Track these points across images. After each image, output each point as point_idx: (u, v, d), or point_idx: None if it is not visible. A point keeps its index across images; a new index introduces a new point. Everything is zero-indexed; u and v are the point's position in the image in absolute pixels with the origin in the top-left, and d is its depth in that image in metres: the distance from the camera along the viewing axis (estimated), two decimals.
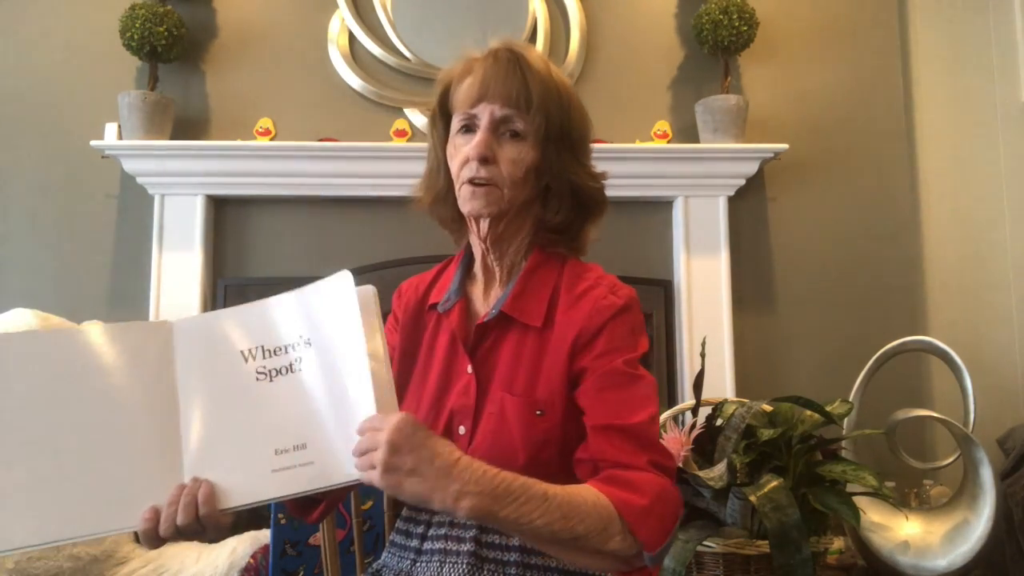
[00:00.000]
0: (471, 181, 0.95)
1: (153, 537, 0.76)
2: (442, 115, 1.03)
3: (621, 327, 0.94)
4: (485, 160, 0.94)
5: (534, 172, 0.97)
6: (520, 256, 1.02)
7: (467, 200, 0.96)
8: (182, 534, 0.76)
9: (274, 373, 0.81)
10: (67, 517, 0.75)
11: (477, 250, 1.03)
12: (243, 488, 0.78)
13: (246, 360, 0.82)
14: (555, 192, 0.99)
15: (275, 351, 0.82)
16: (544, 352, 0.95)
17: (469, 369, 0.97)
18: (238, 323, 0.84)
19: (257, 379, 0.81)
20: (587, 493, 0.83)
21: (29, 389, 0.78)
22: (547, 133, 0.96)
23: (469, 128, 0.97)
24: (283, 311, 0.84)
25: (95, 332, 0.81)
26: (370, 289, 0.85)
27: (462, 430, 0.95)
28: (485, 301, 1.02)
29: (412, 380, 1.03)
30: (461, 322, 1.00)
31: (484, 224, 0.98)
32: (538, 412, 0.92)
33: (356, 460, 0.76)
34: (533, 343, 0.96)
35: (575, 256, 1.05)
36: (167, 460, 0.79)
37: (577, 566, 0.90)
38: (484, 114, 0.95)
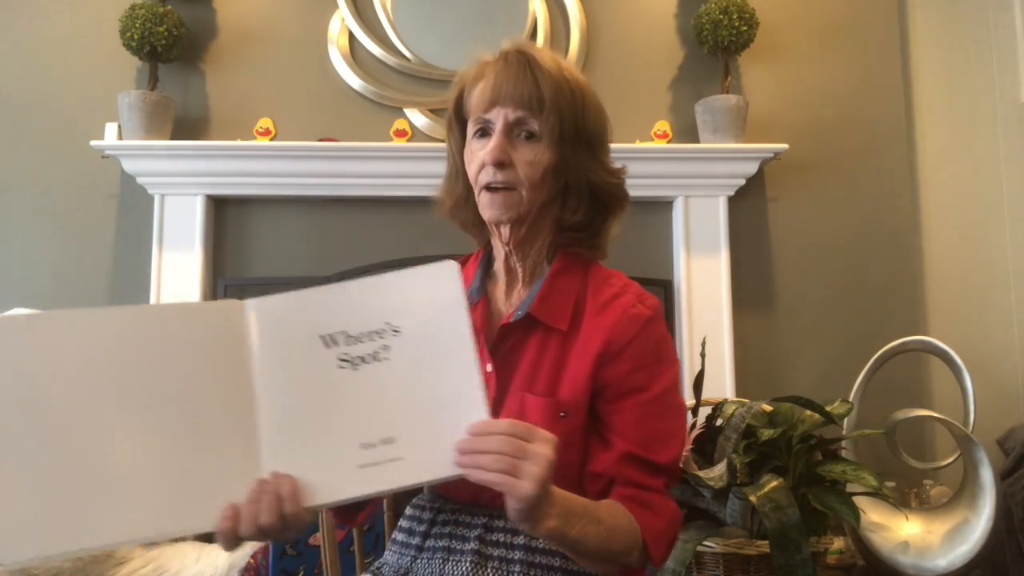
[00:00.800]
0: (488, 187, 0.95)
1: (232, 538, 0.70)
2: (458, 120, 1.03)
3: (650, 340, 0.95)
4: (501, 164, 0.94)
5: (551, 172, 0.96)
6: (542, 257, 1.02)
7: (486, 207, 0.97)
8: (264, 534, 0.70)
9: (358, 361, 0.75)
10: (139, 516, 0.69)
11: (500, 252, 1.03)
12: (328, 485, 0.72)
13: (327, 346, 0.75)
14: (574, 191, 0.99)
15: (359, 337, 0.75)
16: (568, 355, 0.95)
17: (488, 368, 0.97)
18: (318, 306, 0.77)
19: (340, 367, 0.75)
20: (623, 514, 0.87)
21: (89, 373, 0.71)
22: (562, 133, 0.95)
23: (484, 132, 0.97)
24: (370, 295, 0.77)
25: (158, 310, 0.76)
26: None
27: None
28: (507, 301, 1.02)
29: None
30: (482, 320, 1.00)
31: (506, 230, 0.98)
32: (562, 414, 0.92)
33: (463, 458, 0.72)
34: (557, 345, 0.96)
35: (596, 257, 1.05)
36: (244, 453, 0.72)
37: (586, 568, 0.91)
38: (498, 118, 0.95)
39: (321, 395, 0.74)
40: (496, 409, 0.94)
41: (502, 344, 0.98)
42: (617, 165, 1.03)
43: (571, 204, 0.99)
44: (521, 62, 0.95)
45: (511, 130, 0.95)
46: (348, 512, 0.99)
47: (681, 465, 1.56)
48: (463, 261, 1.09)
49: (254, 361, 0.74)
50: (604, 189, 1.00)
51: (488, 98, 0.95)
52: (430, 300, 0.77)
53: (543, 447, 0.72)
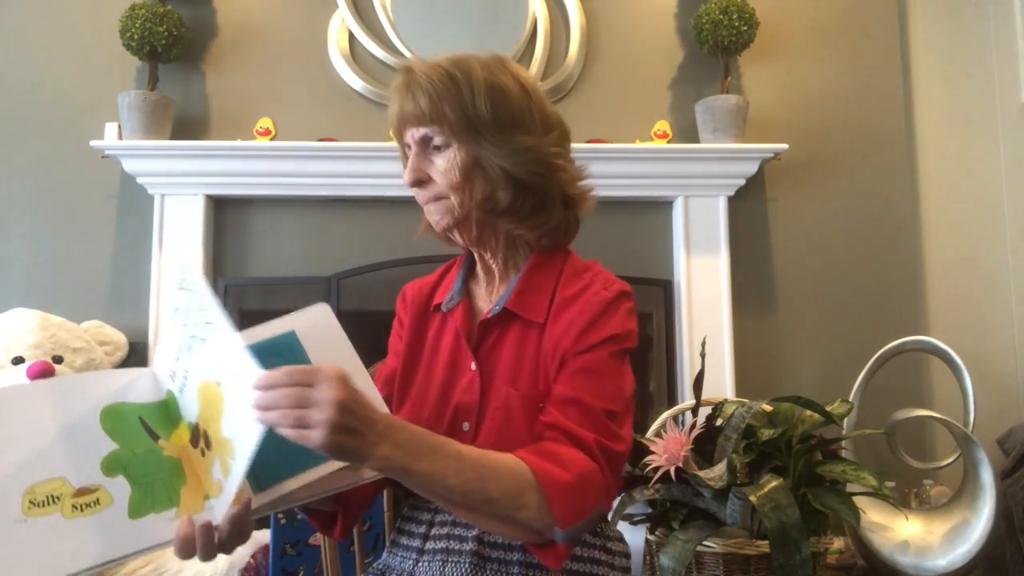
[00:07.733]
0: (424, 202, 0.99)
1: (189, 546, 0.74)
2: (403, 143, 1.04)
3: (609, 317, 0.95)
4: (418, 183, 0.97)
5: (472, 170, 0.95)
6: (514, 251, 1.03)
7: (428, 218, 1.00)
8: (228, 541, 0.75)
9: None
10: (104, 541, 0.75)
11: (475, 254, 1.05)
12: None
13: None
14: (495, 178, 0.96)
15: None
16: (543, 347, 0.96)
17: (473, 366, 0.98)
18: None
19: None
20: (505, 459, 0.84)
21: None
22: (460, 129, 0.94)
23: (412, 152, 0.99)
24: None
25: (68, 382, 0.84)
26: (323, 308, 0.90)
27: (466, 426, 0.96)
28: (488, 298, 1.04)
29: (417, 380, 1.04)
30: (465, 320, 1.02)
31: (455, 234, 1.00)
32: (541, 404, 0.93)
33: (261, 415, 0.70)
34: (535, 338, 0.97)
35: (560, 245, 1.04)
36: None
37: (491, 531, 0.91)
38: (411, 139, 0.97)
39: None
40: (482, 405, 0.96)
41: (484, 340, 0.99)
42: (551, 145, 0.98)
43: (498, 193, 0.96)
44: (406, 80, 0.96)
45: (425, 145, 0.97)
46: (325, 524, 1.00)
47: (681, 463, 1.56)
48: (448, 266, 1.12)
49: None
50: (518, 170, 0.95)
51: (396, 123, 0.98)
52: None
53: (327, 391, 0.70)
